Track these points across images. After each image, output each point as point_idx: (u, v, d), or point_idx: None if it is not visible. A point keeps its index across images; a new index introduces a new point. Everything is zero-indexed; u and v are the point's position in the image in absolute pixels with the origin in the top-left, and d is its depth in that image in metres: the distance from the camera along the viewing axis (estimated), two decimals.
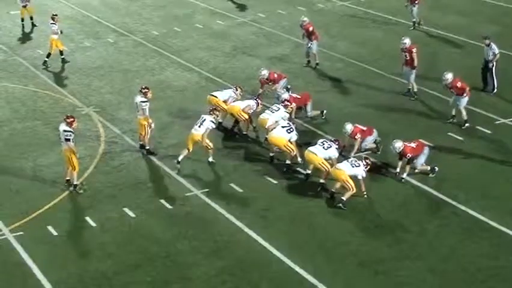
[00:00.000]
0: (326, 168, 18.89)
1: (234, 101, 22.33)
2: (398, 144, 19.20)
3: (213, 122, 20.31)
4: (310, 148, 19.21)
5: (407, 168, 19.30)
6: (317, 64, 27.18)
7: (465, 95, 21.90)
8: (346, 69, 27.17)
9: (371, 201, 18.63)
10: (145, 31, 32.29)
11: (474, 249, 16.64)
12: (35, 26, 33.05)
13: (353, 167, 18.48)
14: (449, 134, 21.86)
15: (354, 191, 18.33)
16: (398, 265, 16.16)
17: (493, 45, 24.16)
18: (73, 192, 19.24)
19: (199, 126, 20.12)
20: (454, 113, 22.26)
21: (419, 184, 19.24)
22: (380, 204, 18.52)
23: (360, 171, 18.49)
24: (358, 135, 20.32)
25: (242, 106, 21.89)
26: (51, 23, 28.40)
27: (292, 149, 19.94)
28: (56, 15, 29.30)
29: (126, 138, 22.29)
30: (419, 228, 17.44)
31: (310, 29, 26.94)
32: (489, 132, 21.78)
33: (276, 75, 24.01)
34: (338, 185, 18.57)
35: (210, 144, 20.21)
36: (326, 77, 26.61)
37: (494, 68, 24.12)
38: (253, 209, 18.47)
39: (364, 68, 27.12)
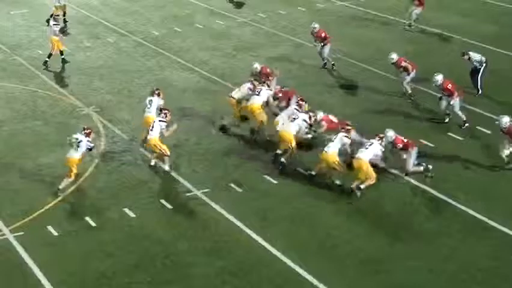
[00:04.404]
0: (339, 168, 18.95)
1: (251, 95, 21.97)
2: (390, 134, 19.23)
3: (163, 121, 20.23)
4: (326, 149, 19.15)
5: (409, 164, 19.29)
6: (333, 65, 26.91)
7: (455, 97, 21.91)
8: (346, 69, 27.15)
9: (372, 201, 18.63)
10: (145, 31, 32.28)
11: (474, 249, 16.64)
12: (67, 21, 33.18)
13: (367, 149, 18.69)
14: (449, 134, 21.87)
15: (374, 181, 18.58)
16: (398, 265, 16.17)
17: (473, 57, 24.13)
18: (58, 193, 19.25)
19: (151, 129, 20.05)
20: (447, 111, 22.27)
21: (419, 184, 19.24)
22: (380, 204, 18.52)
23: (377, 150, 18.68)
24: (323, 123, 20.53)
25: (262, 100, 21.67)
26: (54, 24, 28.35)
27: (293, 150, 19.90)
28: (58, 15, 29.23)
29: (126, 138, 22.29)
30: (419, 228, 17.45)
31: (323, 35, 26.78)
32: (489, 132, 21.76)
33: (268, 70, 23.68)
34: (359, 178, 18.76)
35: (167, 152, 20.04)
36: (325, 77, 26.59)
37: (481, 71, 24.09)
38: (253, 209, 18.47)
39: (364, 68, 27.12)
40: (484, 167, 19.95)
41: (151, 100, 21.68)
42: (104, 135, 22.55)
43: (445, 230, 17.35)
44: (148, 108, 21.58)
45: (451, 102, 21.94)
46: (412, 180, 19.38)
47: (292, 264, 16.24)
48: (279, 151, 20.33)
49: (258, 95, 21.73)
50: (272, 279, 15.87)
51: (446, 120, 22.30)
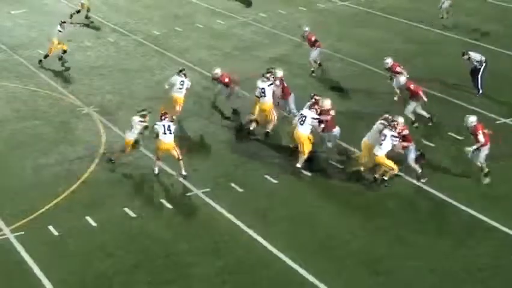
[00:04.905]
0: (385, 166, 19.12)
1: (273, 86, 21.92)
2: (401, 120, 19.33)
3: (172, 122, 20.14)
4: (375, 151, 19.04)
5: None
6: (313, 72, 26.72)
7: (415, 98, 21.79)
8: (346, 69, 27.17)
9: (372, 201, 18.64)
10: (146, 31, 32.30)
11: (474, 249, 16.63)
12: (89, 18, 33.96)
13: (381, 144, 18.75)
14: (449, 134, 21.86)
15: (396, 170, 18.84)
16: (398, 265, 16.16)
17: (473, 57, 24.11)
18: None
19: (170, 133, 19.72)
20: (427, 115, 22.21)
21: (419, 184, 19.23)
22: (381, 204, 18.52)
23: (390, 142, 18.72)
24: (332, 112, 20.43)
25: (270, 99, 21.73)
26: (59, 30, 28.24)
27: (304, 152, 19.86)
28: (64, 22, 29.09)
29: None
30: (419, 228, 17.44)
31: (313, 38, 26.72)
32: (489, 132, 21.71)
33: (227, 79, 23.61)
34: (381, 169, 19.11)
35: (181, 155, 19.79)
36: (326, 77, 26.60)
37: (481, 71, 24.07)
38: (253, 208, 18.46)
39: (364, 68, 27.11)
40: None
41: (183, 81, 22.74)
42: (104, 135, 22.55)
43: (445, 230, 17.34)
44: (180, 89, 22.63)
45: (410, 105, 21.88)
46: (413, 180, 19.37)
47: (292, 264, 16.24)
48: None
49: (264, 96, 21.67)
50: (272, 279, 15.86)
51: (430, 124, 22.28)
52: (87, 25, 33.53)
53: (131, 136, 20.32)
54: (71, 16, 33.22)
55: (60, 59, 28.41)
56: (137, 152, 21.34)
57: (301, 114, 20.18)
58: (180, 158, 19.73)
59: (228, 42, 30.48)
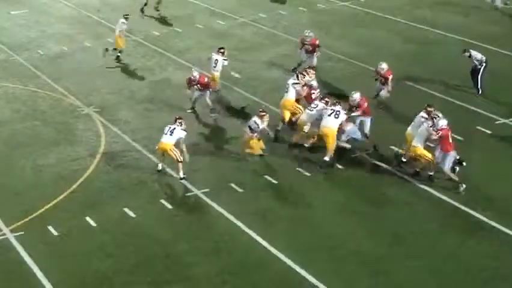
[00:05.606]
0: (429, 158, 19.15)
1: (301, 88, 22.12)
2: (444, 122, 19.13)
3: (185, 131, 20.10)
4: (414, 143, 19.12)
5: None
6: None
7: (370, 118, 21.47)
8: (346, 69, 27.16)
9: (371, 201, 18.64)
10: (146, 31, 32.28)
11: (475, 249, 16.63)
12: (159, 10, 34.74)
13: (420, 136, 18.95)
14: None
15: (433, 160, 18.84)
16: (398, 265, 16.16)
17: (474, 55, 24.09)
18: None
19: (171, 134, 19.77)
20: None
21: (419, 184, 19.23)
22: (381, 204, 18.52)
23: (427, 132, 18.87)
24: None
25: (293, 96, 21.86)
26: (122, 22, 28.48)
27: (332, 146, 19.90)
28: (128, 15, 29.23)
29: (126, 138, 22.29)
30: (419, 228, 17.44)
31: (317, 42, 26.37)
32: (489, 132, 21.77)
33: (206, 80, 23.63)
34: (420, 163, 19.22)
35: (180, 157, 19.71)
36: (326, 77, 26.57)
37: (481, 71, 24.04)
38: (253, 209, 18.46)
39: (364, 68, 27.10)
40: (484, 166, 19.93)
41: (217, 60, 23.40)
42: (104, 135, 22.55)
43: (445, 230, 17.34)
44: (215, 67, 23.26)
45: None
46: (412, 180, 19.37)
47: (292, 264, 16.24)
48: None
49: (286, 92, 21.92)
50: (272, 279, 15.87)
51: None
52: (156, 17, 34.09)
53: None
54: (142, 9, 34.22)
55: (118, 58, 28.50)
56: (137, 152, 21.37)
57: (333, 109, 20.22)
58: (180, 160, 19.69)
59: (228, 43, 30.39)
